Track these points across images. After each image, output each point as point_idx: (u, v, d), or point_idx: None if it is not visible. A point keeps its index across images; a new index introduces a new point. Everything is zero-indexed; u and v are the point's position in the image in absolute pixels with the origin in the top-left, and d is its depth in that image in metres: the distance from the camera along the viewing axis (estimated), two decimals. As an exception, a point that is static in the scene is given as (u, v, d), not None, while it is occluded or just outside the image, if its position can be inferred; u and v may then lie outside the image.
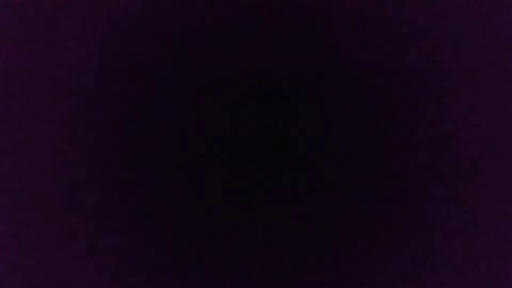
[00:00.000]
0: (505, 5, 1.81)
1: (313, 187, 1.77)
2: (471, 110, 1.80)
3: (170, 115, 1.79)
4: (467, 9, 1.81)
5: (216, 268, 1.77)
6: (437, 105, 1.79)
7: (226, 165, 1.78)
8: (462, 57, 1.81)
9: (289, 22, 1.79)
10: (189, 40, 1.80)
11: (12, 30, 1.81)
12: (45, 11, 1.82)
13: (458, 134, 1.79)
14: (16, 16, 1.82)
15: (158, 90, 1.79)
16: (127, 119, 1.79)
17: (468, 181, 1.78)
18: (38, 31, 1.82)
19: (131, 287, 1.77)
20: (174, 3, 1.81)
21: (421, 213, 1.77)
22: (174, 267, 1.77)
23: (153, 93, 1.79)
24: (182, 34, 1.80)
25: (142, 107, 1.79)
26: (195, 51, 1.79)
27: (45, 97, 1.80)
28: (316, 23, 1.79)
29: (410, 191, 1.78)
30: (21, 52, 1.82)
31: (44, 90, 1.81)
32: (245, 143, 1.78)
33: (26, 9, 1.82)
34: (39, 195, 1.79)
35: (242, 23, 1.79)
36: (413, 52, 1.80)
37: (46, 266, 1.78)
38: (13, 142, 1.80)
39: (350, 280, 1.76)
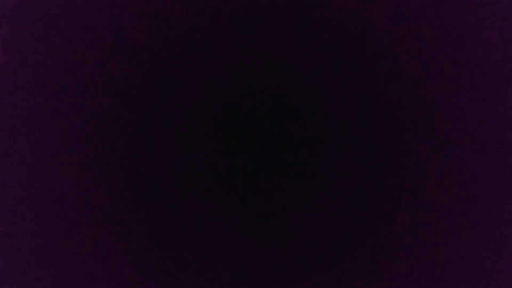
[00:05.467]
0: (505, 5, 1.81)
1: (312, 187, 1.77)
2: (472, 110, 1.80)
3: (170, 116, 1.79)
4: (467, 9, 1.82)
5: (216, 268, 1.77)
6: (438, 105, 1.80)
7: (226, 166, 1.78)
8: (462, 57, 1.81)
9: (288, 22, 1.80)
10: (189, 39, 1.80)
11: (12, 29, 1.82)
12: (45, 11, 1.82)
13: (458, 133, 1.79)
14: (16, 16, 1.83)
15: (159, 90, 1.80)
16: (128, 119, 1.79)
17: (468, 181, 1.79)
18: (38, 30, 1.82)
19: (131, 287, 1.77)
20: (174, 3, 1.81)
21: (421, 213, 1.78)
22: (174, 267, 1.77)
23: (154, 93, 1.79)
24: (183, 34, 1.80)
25: (143, 107, 1.79)
26: (195, 51, 1.80)
27: (45, 97, 1.81)
28: (315, 23, 1.80)
29: (410, 192, 1.78)
30: (21, 52, 1.82)
31: (44, 89, 1.81)
32: (245, 143, 1.78)
33: (26, 9, 1.83)
34: (39, 195, 1.79)
35: (241, 23, 1.79)
36: (413, 52, 1.80)
37: (46, 266, 1.78)
38: (13, 142, 1.80)
39: (350, 281, 1.76)
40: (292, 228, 1.77)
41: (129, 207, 1.78)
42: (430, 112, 1.79)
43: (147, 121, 1.79)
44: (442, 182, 1.78)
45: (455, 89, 1.80)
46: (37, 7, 1.82)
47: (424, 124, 1.79)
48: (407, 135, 1.79)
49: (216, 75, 1.79)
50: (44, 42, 1.82)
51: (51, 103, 1.80)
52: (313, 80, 1.79)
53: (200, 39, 1.80)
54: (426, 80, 1.80)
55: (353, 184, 1.78)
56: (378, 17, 1.80)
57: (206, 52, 1.79)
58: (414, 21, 1.81)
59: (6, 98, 1.81)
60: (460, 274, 1.78)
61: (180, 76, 1.79)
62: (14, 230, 1.80)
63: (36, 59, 1.82)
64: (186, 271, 1.77)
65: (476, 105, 1.80)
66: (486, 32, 1.81)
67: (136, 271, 1.78)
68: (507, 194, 1.79)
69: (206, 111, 1.79)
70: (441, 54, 1.81)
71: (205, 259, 1.77)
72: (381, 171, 1.78)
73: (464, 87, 1.80)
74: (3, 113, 1.81)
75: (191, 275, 1.77)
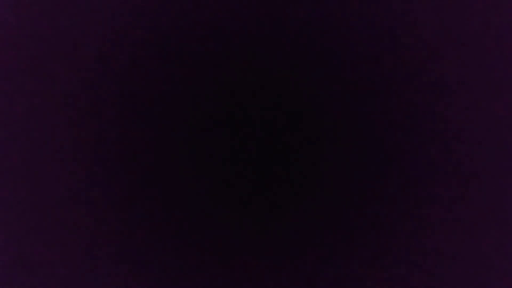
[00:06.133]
0: (505, 5, 1.81)
1: (312, 187, 1.77)
2: (471, 110, 1.80)
3: (170, 116, 1.79)
4: (467, 9, 1.82)
5: (216, 269, 1.77)
6: (437, 105, 1.80)
7: (226, 166, 1.78)
8: (462, 57, 1.81)
9: (288, 23, 1.80)
10: (189, 40, 1.80)
11: (12, 30, 1.81)
12: (45, 11, 1.82)
13: (457, 133, 1.79)
14: (16, 16, 1.82)
15: (158, 91, 1.80)
16: (128, 120, 1.79)
17: (468, 181, 1.79)
18: (38, 31, 1.82)
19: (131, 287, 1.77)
20: (175, 4, 1.81)
21: (420, 213, 1.78)
22: (173, 267, 1.77)
23: (154, 94, 1.79)
24: (183, 34, 1.80)
25: (143, 107, 1.79)
26: (196, 51, 1.80)
27: (45, 97, 1.81)
28: (315, 23, 1.80)
29: (409, 192, 1.78)
30: (21, 52, 1.82)
31: (44, 90, 1.81)
32: (245, 143, 1.78)
33: (26, 9, 1.83)
34: (39, 196, 1.79)
35: (241, 24, 1.79)
36: (413, 52, 1.80)
37: (46, 266, 1.78)
38: (13, 143, 1.80)
39: (349, 281, 1.77)
40: (291, 228, 1.77)
41: (129, 207, 1.78)
42: (429, 112, 1.79)
43: (147, 121, 1.79)
44: (441, 182, 1.78)
45: (455, 89, 1.80)
46: (37, 7, 1.82)
47: (424, 124, 1.79)
48: (406, 136, 1.79)
49: (215, 76, 1.79)
50: (44, 42, 1.82)
51: (51, 103, 1.80)
52: (312, 81, 1.79)
53: (200, 39, 1.80)
54: (426, 80, 1.80)
55: (353, 184, 1.78)
56: (378, 17, 1.80)
57: (207, 52, 1.79)
58: (414, 22, 1.81)
59: (6, 98, 1.81)
60: (459, 274, 1.78)
61: (180, 77, 1.79)
62: (14, 230, 1.80)
63: (36, 59, 1.82)
64: (186, 271, 1.77)
65: (475, 105, 1.80)
66: (486, 32, 1.82)
67: (136, 272, 1.78)
68: (507, 194, 1.79)
69: (207, 111, 1.79)
70: (441, 54, 1.81)
71: (205, 259, 1.77)
72: (381, 171, 1.78)
73: (463, 87, 1.80)
74: (3, 113, 1.81)
75: (191, 275, 1.77)
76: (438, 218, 1.78)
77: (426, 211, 1.78)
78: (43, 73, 1.81)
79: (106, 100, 1.79)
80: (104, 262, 1.77)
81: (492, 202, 1.79)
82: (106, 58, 1.80)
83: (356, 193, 1.78)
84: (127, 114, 1.79)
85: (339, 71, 1.79)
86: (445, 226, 1.78)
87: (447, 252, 1.78)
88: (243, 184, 1.78)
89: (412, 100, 1.79)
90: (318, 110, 1.78)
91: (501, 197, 1.79)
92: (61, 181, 1.79)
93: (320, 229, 1.77)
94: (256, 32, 1.79)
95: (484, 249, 1.78)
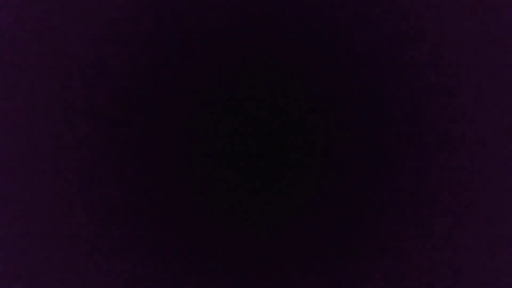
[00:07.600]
0: (505, 5, 1.81)
1: (311, 187, 1.77)
2: (471, 109, 1.80)
3: (169, 116, 1.79)
4: (467, 9, 1.82)
5: (216, 269, 1.77)
6: (437, 104, 1.79)
7: (225, 166, 1.78)
8: (462, 57, 1.81)
9: (287, 22, 1.80)
10: (189, 39, 1.80)
11: (12, 30, 1.82)
12: (45, 11, 1.82)
13: (457, 133, 1.79)
14: (16, 16, 1.83)
15: (158, 91, 1.80)
16: (127, 119, 1.79)
17: (468, 180, 1.78)
18: (38, 31, 1.82)
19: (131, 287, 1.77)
20: (174, 3, 1.81)
21: (419, 213, 1.78)
22: (173, 267, 1.77)
23: (153, 93, 1.79)
24: (182, 33, 1.80)
25: (142, 106, 1.79)
26: (195, 51, 1.80)
27: (46, 97, 1.81)
28: (314, 23, 1.80)
29: (409, 191, 1.78)
30: (21, 52, 1.82)
31: (44, 89, 1.81)
32: (245, 143, 1.78)
33: (26, 9, 1.83)
34: (39, 195, 1.79)
35: (241, 23, 1.79)
36: (413, 52, 1.80)
37: (46, 266, 1.78)
38: (13, 142, 1.81)
39: (349, 280, 1.77)
40: (291, 228, 1.77)
41: (128, 207, 1.78)
42: (429, 113, 1.79)
43: (147, 121, 1.79)
44: (441, 182, 1.78)
45: (455, 90, 1.80)
46: (37, 7, 1.83)
47: (424, 125, 1.79)
48: (406, 136, 1.79)
49: (214, 76, 1.79)
50: (44, 42, 1.82)
51: (51, 103, 1.80)
52: (312, 80, 1.79)
53: (200, 39, 1.80)
54: (426, 81, 1.80)
55: (352, 185, 1.78)
56: (377, 17, 1.80)
57: (205, 52, 1.79)
58: (414, 22, 1.81)
59: (6, 98, 1.81)
60: (458, 275, 1.78)
61: (179, 76, 1.79)
62: (14, 230, 1.80)
63: (35, 59, 1.82)
64: (185, 272, 1.78)
65: (475, 106, 1.80)
66: (486, 32, 1.81)
67: (135, 272, 1.78)
68: (507, 194, 1.79)
69: (206, 111, 1.79)
70: (441, 54, 1.81)
71: (205, 260, 1.77)
72: (380, 172, 1.78)
73: (463, 87, 1.80)
74: (3, 113, 1.81)
75: (190, 276, 1.77)
76: (438, 219, 1.78)
77: (426, 212, 1.78)
78: (41, 73, 1.81)
79: (105, 100, 1.79)
80: (103, 262, 1.78)
81: (492, 202, 1.79)
82: (105, 57, 1.80)
83: (356, 193, 1.78)
84: (126, 113, 1.79)
85: (339, 70, 1.79)
86: (445, 227, 1.78)
87: (447, 254, 1.78)
88: (243, 184, 1.78)
89: (412, 100, 1.79)
90: (318, 110, 1.78)
91: (501, 197, 1.79)
92: (60, 181, 1.79)
93: (320, 230, 1.77)
94: (255, 31, 1.79)
95: (484, 249, 1.78)
